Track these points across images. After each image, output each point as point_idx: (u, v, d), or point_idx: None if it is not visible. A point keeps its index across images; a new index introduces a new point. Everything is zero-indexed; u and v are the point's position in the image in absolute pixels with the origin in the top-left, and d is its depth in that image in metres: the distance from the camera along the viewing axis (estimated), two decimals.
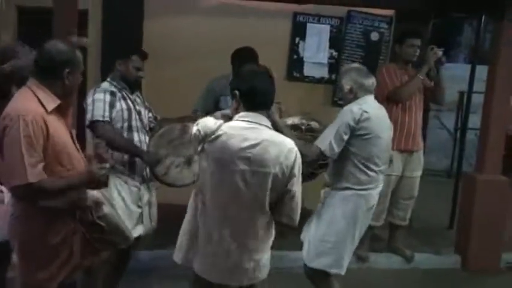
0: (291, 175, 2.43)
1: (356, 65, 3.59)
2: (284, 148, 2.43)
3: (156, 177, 3.50)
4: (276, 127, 3.08)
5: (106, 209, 2.85)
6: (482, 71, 5.15)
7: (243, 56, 4.11)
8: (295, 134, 3.32)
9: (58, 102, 2.57)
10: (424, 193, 4.90)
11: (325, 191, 3.43)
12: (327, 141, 3.21)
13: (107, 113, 3.39)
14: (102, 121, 3.38)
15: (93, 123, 3.39)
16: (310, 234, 3.39)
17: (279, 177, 2.42)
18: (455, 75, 8.15)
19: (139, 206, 3.53)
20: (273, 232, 2.62)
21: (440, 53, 4.41)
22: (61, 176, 2.55)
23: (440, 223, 5.70)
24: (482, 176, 4.81)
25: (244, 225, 2.50)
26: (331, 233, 3.31)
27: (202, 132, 2.46)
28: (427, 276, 4.70)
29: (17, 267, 2.67)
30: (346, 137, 3.21)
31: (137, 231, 3.49)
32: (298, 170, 2.46)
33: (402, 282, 4.57)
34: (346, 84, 3.31)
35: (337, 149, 3.21)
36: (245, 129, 2.44)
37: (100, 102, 3.41)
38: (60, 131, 2.58)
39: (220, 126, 2.45)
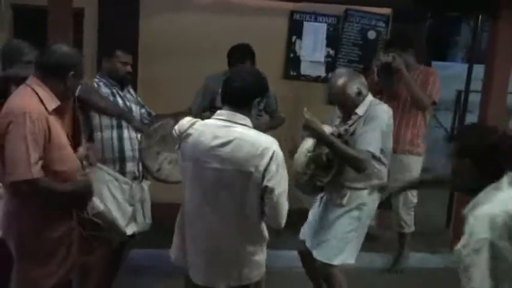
0: (267, 173, 2.39)
1: (345, 69, 3.64)
2: (258, 147, 2.39)
3: (149, 173, 3.49)
4: (322, 138, 3.12)
5: (101, 206, 2.88)
6: (479, 70, 5.15)
7: (240, 53, 4.10)
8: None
9: (58, 103, 2.60)
10: (420, 192, 4.89)
11: (345, 195, 3.37)
12: (376, 144, 3.18)
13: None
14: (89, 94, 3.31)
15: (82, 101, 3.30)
16: (332, 233, 3.36)
17: (253, 176, 2.39)
18: (453, 74, 8.20)
19: (131, 204, 3.52)
20: (262, 234, 2.59)
21: (390, 58, 4.27)
22: (58, 176, 2.56)
23: (437, 222, 5.70)
24: None
25: (220, 226, 2.48)
26: (352, 228, 3.34)
27: (177, 131, 2.50)
28: (424, 275, 4.69)
29: (14, 264, 2.66)
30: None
31: (130, 229, 3.48)
32: (276, 168, 2.39)
33: (398, 282, 4.56)
34: (354, 89, 3.28)
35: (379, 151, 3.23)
36: (217, 127, 2.44)
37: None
38: (59, 131, 2.61)
39: (193, 124, 2.48)
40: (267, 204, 2.45)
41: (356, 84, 3.28)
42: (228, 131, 2.42)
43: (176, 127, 2.54)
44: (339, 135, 3.32)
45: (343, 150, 3.16)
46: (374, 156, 3.19)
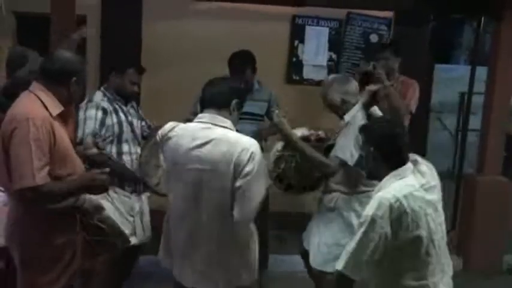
0: (242, 172, 2.39)
1: (335, 76, 3.67)
2: (237, 147, 2.40)
3: (149, 187, 3.49)
4: (289, 141, 3.18)
5: (105, 211, 2.88)
6: (482, 72, 5.14)
7: (240, 60, 4.10)
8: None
9: (61, 108, 2.62)
10: None
11: (334, 198, 3.39)
12: (348, 151, 3.18)
13: (93, 131, 3.39)
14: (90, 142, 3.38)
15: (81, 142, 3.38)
16: (322, 239, 3.36)
17: (231, 177, 2.39)
18: (456, 76, 8.17)
19: (131, 215, 3.52)
20: (250, 236, 2.57)
21: (370, 67, 4.05)
22: (63, 180, 2.57)
23: None
24: (483, 177, 4.81)
25: (203, 228, 2.47)
26: (343, 235, 3.27)
27: (159, 135, 2.56)
28: None
29: (18, 271, 2.66)
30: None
31: (131, 242, 3.47)
32: (252, 168, 2.39)
33: None
34: (336, 97, 3.32)
35: (356, 156, 3.19)
36: (197, 130, 2.47)
37: (91, 120, 3.42)
38: (63, 136, 2.61)
39: (173, 128, 2.52)
40: (236, 200, 2.43)
41: (339, 93, 3.30)
42: (208, 132, 2.45)
43: (159, 132, 2.59)
44: (320, 139, 3.38)
45: (309, 154, 3.20)
46: (345, 163, 3.18)
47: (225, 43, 4.66)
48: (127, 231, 3.42)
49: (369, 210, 2.32)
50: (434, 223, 2.39)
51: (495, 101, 4.71)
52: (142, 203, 3.61)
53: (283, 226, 4.12)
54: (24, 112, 2.48)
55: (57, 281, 2.65)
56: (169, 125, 2.57)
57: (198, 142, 2.42)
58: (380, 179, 2.43)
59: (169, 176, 2.58)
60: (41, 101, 2.55)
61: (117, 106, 3.55)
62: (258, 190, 2.44)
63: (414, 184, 2.34)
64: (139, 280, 4.07)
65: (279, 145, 3.39)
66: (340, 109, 3.34)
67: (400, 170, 2.36)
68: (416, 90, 4.34)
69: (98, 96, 3.56)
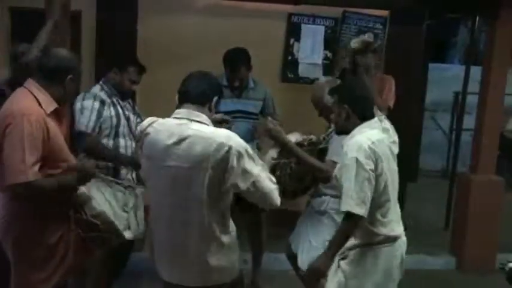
0: (228, 168, 2.33)
1: (323, 79, 3.75)
2: (213, 142, 2.33)
3: (143, 182, 3.48)
4: (288, 149, 3.21)
5: (98, 207, 2.87)
6: (477, 71, 5.16)
7: (235, 57, 4.09)
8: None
9: (56, 105, 2.62)
10: (419, 193, 4.90)
11: (325, 201, 3.40)
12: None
13: (91, 123, 3.40)
14: (85, 132, 3.39)
15: (77, 134, 3.39)
16: (313, 242, 3.36)
17: (213, 173, 2.34)
18: (451, 75, 8.20)
19: (125, 211, 3.50)
20: (229, 233, 2.53)
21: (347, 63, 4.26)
22: (53, 176, 2.56)
23: (435, 224, 5.71)
24: (477, 176, 4.82)
25: (179, 224, 2.45)
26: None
27: (139, 130, 2.52)
28: (422, 276, 4.69)
29: (11, 268, 2.65)
30: None
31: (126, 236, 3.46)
32: (236, 161, 2.33)
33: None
34: (324, 101, 3.36)
35: None
36: (173, 125, 2.43)
37: (87, 111, 3.41)
38: (57, 133, 2.61)
39: (152, 123, 2.47)
40: (251, 196, 2.42)
41: (326, 98, 3.30)
42: (183, 128, 2.41)
43: (138, 127, 2.56)
44: (312, 143, 3.37)
45: (305, 160, 3.21)
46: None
47: (221, 41, 4.65)
48: (121, 227, 3.42)
49: (351, 153, 2.58)
50: (394, 169, 2.73)
51: (489, 100, 4.72)
52: (137, 198, 3.60)
53: (278, 224, 4.11)
54: (19, 108, 2.48)
55: (51, 278, 2.64)
56: (148, 120, 2.51)
57: (174, 139, 2.38)
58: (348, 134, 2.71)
59: (146, 171, 2.53)
60: (36, 98, 2.55)
61: (114, 100, 3.54)
62: (255, 176, 2.38)
63: (381, 134, 2.69)
64: (132, 277, 4.06)
65: (274, 152, 3.37)
66: (328, 112, 3.31)
67: (369, 122, 2.69)
68: (392, 86, 4.35)
69: (96, 88, 3.55)
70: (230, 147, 2.33)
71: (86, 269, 2.96)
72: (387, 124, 2.78)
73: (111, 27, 4.88)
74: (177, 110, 2.50)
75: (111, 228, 2.92)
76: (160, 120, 2.49)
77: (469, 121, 5.59)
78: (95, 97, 3.46)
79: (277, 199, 2.46)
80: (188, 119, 2.43)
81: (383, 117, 2.80)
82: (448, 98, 8.35)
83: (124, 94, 3.60)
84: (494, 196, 4.81)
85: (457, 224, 5.07)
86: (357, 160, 2.53)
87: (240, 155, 2.34)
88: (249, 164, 2.37)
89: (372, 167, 2.56)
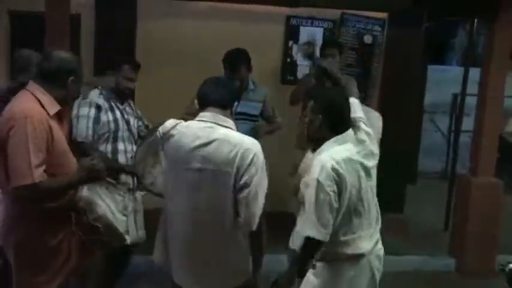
0: (245, 174, 2.38)
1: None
2: (239, 147, 2.40)
3: (144, 186, 3.47)
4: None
5: (100, 210, 2.87)
6: (475, 73, 5.16)
7: (235, 58, 4.09)
8: None
9: (58, 107, 2.62)
10: (418, 195, 4.90)
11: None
12: None
13: (90, 132, 3.43)
14: (83, 142, 3.41)
15: (75, 143, 3.38)
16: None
17: (232, 177, 2.39)
18: (449, 77, 8.20)
19: (124, 215, 3.50)
20: (247, 237, 2.55)
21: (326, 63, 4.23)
22: (59, 176, 2.57)
23: (434, 225, 5.70)
24: (476, 178, 4.82)
25: (200, 227, 2.47)
26: None
27: (161, 133, 2.53)
28: (421, 279, 4.69)
29: (13, 271, 2.65)
30: None
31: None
32: (255, 170, 2.39)
33: (396, 285, 4.56)
34: None
35: None
36: (200, 129, 2.45)
37: (84, 119, 3.44)
38: (60, 135, 2.61)
39: (175, 125, 2.49)
40: (242, 203, 2.42)
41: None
42: (210, 132, 2.44)
43: (160, 129, 2.56)
44: None
45: None
46: None
47: (220, 43, 4.65)
48: (120, 230, 3.42)
49: (313, 174, 2.49)
50: (365, 185, 2.61)
51: (488, 102, 4.72)
52: (136, 202, 3.59)
53: (278, 226, 4.09)
54: (22, 110, 2.48)
55: (53, 280, 2.63)
56: (171, 122, 2.54)
57: (201, 141, 2.41)
58: (319, 144, 2.61)
59: (168, 175, 2.55)
60: (38, 100, 2.55)
61: (113, 104, 3.54)
62: (260, 190, 2.43)
63: (352, 149, 2.58)
64: (132, 280, 4.06)
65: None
66: None
67: (341, 136, 2.58)
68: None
69: (94, 93, 3.55)
70: (255, 155, 2.41)
71: (86, 272, 2.95)
72: (363, 135, 2.70)
73: (110, 29, 4.89)
74: (202, 113, 2.53)
75: (112, 232, 2.92)
76: (184, 122, 2.51)
77: (467, 123, 5.59)
78: (90, 104, 3.47)
79: (255, 223, 2.44)
80: (215, 122, 2.46)
81: (361, 124, 2.72)
82: (446, 100, 8.36)
83: (122, 94, 3.60)
84: (493, 198, 4.81)
85: (456, 226, 5.07)
86: (318, 182, 2.45)
87: (259, 164, 2.42)
88: (261, 178, 2.43)
89: (334, 188, 2.47)
